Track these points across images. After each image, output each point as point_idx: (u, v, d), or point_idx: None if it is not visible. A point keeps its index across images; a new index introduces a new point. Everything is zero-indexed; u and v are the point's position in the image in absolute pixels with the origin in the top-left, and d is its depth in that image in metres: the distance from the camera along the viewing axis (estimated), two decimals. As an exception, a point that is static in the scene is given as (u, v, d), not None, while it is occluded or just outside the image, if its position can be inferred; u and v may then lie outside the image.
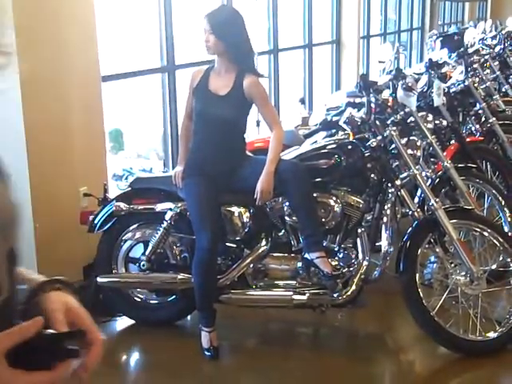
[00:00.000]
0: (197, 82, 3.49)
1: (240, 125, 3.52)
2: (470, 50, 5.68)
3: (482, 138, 4.97)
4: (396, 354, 3.62)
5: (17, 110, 3.54)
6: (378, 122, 3.51)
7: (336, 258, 3.42)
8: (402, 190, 3.44)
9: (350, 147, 3.52)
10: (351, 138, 3.58)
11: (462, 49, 5.68)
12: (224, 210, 3.47)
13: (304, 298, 3.41)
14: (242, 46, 3.41)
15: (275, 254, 3.51)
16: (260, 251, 3.49)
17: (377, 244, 3.48)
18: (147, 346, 3.63)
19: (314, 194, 3.41)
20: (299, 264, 3.44)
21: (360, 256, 3.40)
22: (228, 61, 3.41)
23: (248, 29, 3.43)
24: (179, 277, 3.55)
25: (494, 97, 5.58)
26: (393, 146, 3.48)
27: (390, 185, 3.46)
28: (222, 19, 3.39)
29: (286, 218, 3.46)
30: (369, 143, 3.48)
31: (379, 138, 3.47)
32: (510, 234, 4.05)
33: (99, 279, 3.67)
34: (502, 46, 6.54)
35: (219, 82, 3.44)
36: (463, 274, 3.38)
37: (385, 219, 3.43)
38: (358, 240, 3.44)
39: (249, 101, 3.43)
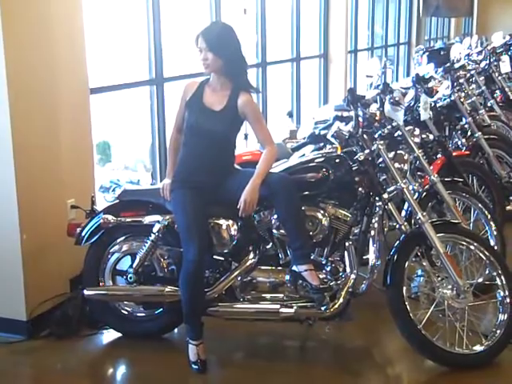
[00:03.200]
0: (190, 95, 3.49)
1: (231, 140, 3.53)
2: (456, 65, 5.74)
3: (468, 152, 5.02)
4: (383, 367, 3.62)
5: (5, 123, 3.53)
6: (365, 136, 3.53)
7: (323, 271, 3.43)
8: (389, 204, 3.46)
9: (337, 161, 3.54)
10: (339, 152, 3.60)
11: (448, 64, 5.74)
12: (212, 222, 3.47)
13: (291, 310, 3.41)
14: (238, 61, 3.43)
15: (263, 267, 3.52)
16: (248, 264, 3.49)
17: (364, 257, 3.50)
18: (134, 359, 3.61)
19: (302, 208, 3.42)
20: (287, 277, 3.44)
21: (347, 269, 3.41)
22: (224, 77, 3.42)
23: (241, 42, 3.45)
24: (166, 289, 3.54)
25: (480, 111, 5.64)
26: (380, 159, 3.51)
27: (377, 198, 3.47)
28: (216, 35, 3.38)
29: (274, 231, 3.47)
30: (356, 157, 3.51)
31: (367, 151, 3.49)
32: (495, 247, 4.08)
33: (86, 292, 3.65)
34: (488, 62, 6.61)
35: (214, 98, 3.45)
36: (450, 287, 3.40)
37: (372, 232, 3.45)
38: (346, 253, 3.45)
39: (242, 118, 3.45)
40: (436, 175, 4.10)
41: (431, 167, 4.25)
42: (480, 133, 5.21)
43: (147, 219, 3.60)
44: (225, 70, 3.40)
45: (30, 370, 3.64)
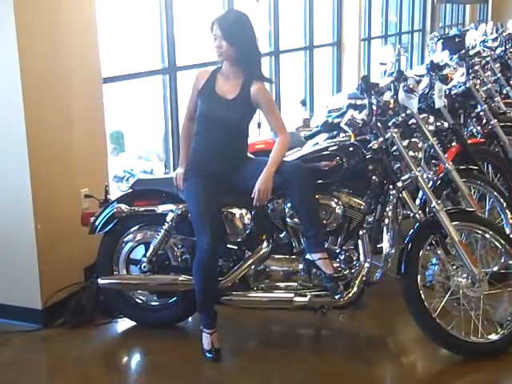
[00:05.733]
0: (203, 84, 3.47)
1: (244, 128, 3.51)
2: (471, 52, 5.68)
3: (483, 140, 4.98)
4: (397, 355, 3.61)
5: (18, 112, 3.54)
6: (379, 124, 3.50)
7: (337, 260, 3.42)
8: (403, 192, 3.44)
9: (351, 149, 3.52)
10: (352, 140, 3.58)
11: (463, 51, 5.68)
12: (225, 211, 3.47)
13: (305, 299, 3.40)
14: (252, 50, 3.40)
15: (276, 256, 3.51)
16: (261, 253, 3.48)
17: (378, 246, 3.49)
18: (148, 348, 3.63)
19: (316, 196, 3.40)
20: (300, 266, 3.44)
21: (361, 258, 3.40)
22: (237, 65, 3.40)
23: (255, 31, 3.42)
24: (180, 278, 3.55)
25: (495, 99, 5.57)
26: (394, 147, 3.48)
27: (391, 186, 3.45)
28: (232, 23, 3.34)
29: (288, 220, 3.46)
30: (370, 145, 3.48)
31: (381, 139, 3.47)
32: (511, 235, 4.04)
33: (100, 281, 3.67)
34: (503, 48, 6.54)
35: (227, 86, 3.43)
36: (465, 276, 3.38)
37: (386, 221, 3.43)
38: (360, 242, 3.44)
39: (254, 106, 3.43)
40: (451, 163, 4.07)
41: (446, 155, 4.22)
42: (495, 120, 5.16)
43: (161, 208, 3.60)
44: (238, 59, 3.37)
45: (44, 359, 3.66)
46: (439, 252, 3.40)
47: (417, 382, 3.38)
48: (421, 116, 4.07)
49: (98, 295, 3.84)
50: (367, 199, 3.48)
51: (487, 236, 3.48)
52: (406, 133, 3.63)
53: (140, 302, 3.81)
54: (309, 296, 3.41)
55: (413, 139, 3.58)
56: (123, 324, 3.85)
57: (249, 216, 3.48)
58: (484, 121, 5.17)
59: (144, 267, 3.61)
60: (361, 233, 3.44)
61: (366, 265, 3.37)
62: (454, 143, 4.60)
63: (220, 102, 3.41)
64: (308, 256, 3.36)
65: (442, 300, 3.39)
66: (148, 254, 3.61)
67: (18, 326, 3.75)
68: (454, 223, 3.38)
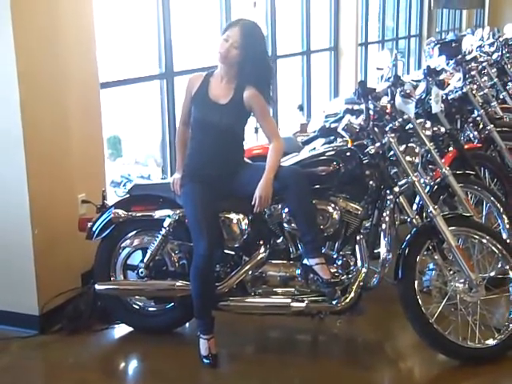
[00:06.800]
0: (196, 89, 3.47)
1: (239, 133, 3.51)
2: (468, 57, 5.69)
3: (480, 145, 4.98)
4: (395, 361, 3.61)
5: (15, 117, 3.54)
6: (376, 129, 3.51)
7: (335, 265, 3.42)
8: (400, 197, 3.44)
9: (348, 154, 3.52)
10: (350, 145, 3.58)
11: (459, 56, 5.69)
12: (222, 216, 3.46)
13: (302, 305, 3.40)
14: (261, 67, 3.41)
15: (274, 261, 3.51)
16: (258, 258, 3.48)
17: (375, 251, 3.48)
18: (145, 354, 3.62)
19: (313, 201, 3.40)
20: (298, 271, 3.44)
21: (359, 263, 3.40)
22: (235, 72, 3.39)
23: (266, 46, 3.44)
24: (177, 284, 3.54)
25: (492, 104, 5.58)
26: (391, 152, 3.48)
27: (388, 192, 3.45)
28: (252, 34, 3.34)
29: (285, 225, 3.46)
30: (367, 150, 3.49)
31: (378, 144, 3.47)
32: (508, 240, 4.05)
33: (97, 286, 3.66)
34: (500, 53, 6.55)
35: (220, 91, 3.43)
36: (462, 281, 3.38)
37: (383, 226, 3.42)
38: (357, 247, 3.44)
39: (248, 111, 3.43)
40: (447, 168, 4.07)
41: (443, 160, 4.21)
42: (492, 125, 5.16)
43: (158, 214, 3.59)
44: (238, 67, 3.36)
45: (41, 365, 3.65)
46: (436, 257, 3.40)
47: (414, 387, 3.38)
48: (418, 121, 4.07)
49: (95, 301, 3.83)
50: (364, 204, 3.49)
51: (484, 241, 3.48)
52: (402, 138, 3.63)
53: (137, 307, 3.80)
54: (306, 301, 3.40)
55: (410, 144, 3.59)
56: (120, 330, 3.85)
57: (246, 221, 3.47)
58: (481, 126, 5.17)
59: (141, 273, 3.60)
60: (358, 238, 3.44)
61: (364, 270, 3.37)
62: (450, 148, 4.60)
63: (213, 108, 3.41)
64: (305, 261, 3.36)
65: (439, 305, 3.39)
66: (145, 260, 3.60)
67: (15, 331, 3.74)
68: (450, 228, 3.39)
